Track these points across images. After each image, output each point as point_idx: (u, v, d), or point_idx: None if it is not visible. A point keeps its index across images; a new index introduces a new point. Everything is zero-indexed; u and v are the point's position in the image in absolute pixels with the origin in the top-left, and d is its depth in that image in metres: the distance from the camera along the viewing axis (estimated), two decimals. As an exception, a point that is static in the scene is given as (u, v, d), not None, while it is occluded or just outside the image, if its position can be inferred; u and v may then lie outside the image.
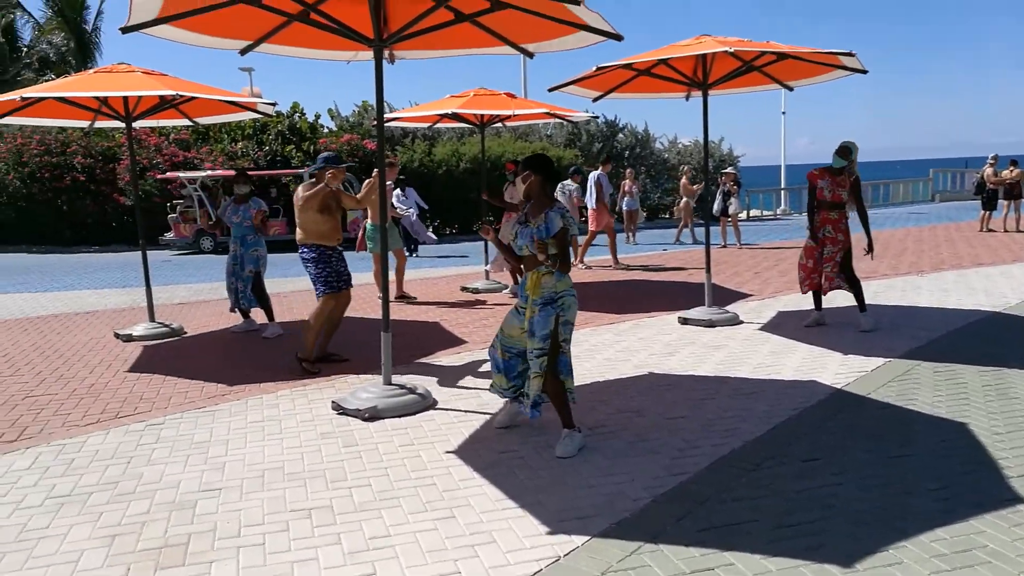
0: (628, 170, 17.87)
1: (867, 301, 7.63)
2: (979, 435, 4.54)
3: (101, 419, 5.30)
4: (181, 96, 7.17)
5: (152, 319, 8.23)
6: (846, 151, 7.31)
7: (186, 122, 9.06)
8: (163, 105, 8.11)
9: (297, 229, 6.50)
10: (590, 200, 13.14)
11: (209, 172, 18.26)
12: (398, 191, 13.30)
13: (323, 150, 20.13)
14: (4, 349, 7.54)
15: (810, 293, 7.65)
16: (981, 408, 5.02)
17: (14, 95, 7.04)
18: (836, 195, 7.32)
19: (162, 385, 6.12)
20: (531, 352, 4.37)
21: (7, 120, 8.08)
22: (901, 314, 8.07)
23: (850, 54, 7.00)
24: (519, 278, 4.67)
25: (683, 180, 17.42)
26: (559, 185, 12.02)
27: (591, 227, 13.25)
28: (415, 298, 10.00)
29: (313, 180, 6.59)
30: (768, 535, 3.40)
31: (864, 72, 7.61)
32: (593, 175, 13.28)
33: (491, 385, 4.84)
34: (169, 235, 18.25)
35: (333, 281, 6.51)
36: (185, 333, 8.17)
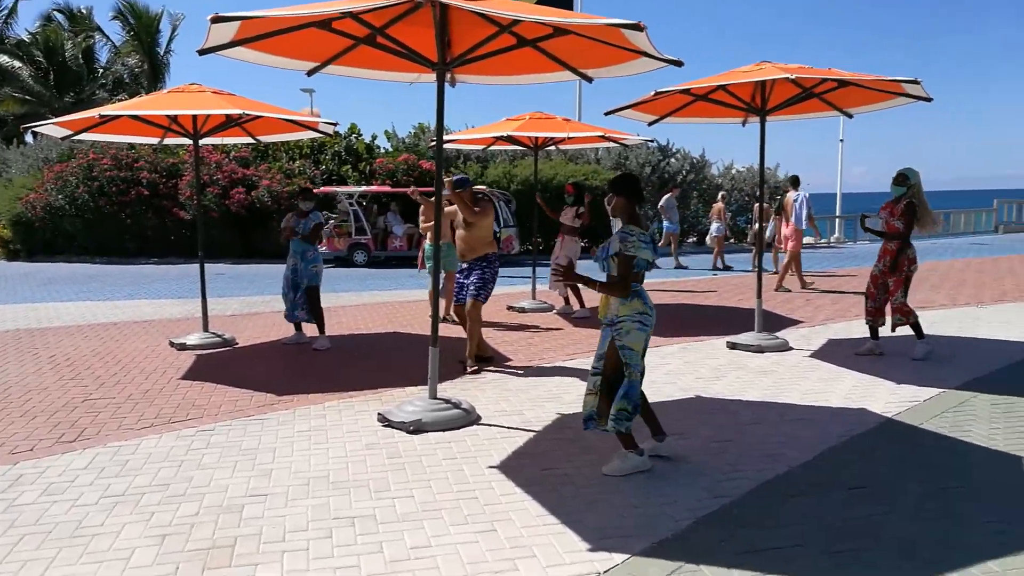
0: (721, 194, 17.92)
1: (925, 332, 7.43)
2: (1038, 470, 4.38)
3: (155, 424, 5.46)
4: (247, 115, 7.42)
5: (206, 329, 8.46)
6: (903, 178, 7.17)
7: (248, 140, 9.35)
8: (229, 123, 8.39)
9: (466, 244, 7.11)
10: (800, 220, 12.69)
11: (365, 188, 18.99)
12: None
13: (379, 170, 20.53)
14: (66, 354, 7.84)
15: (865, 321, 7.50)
16: (1041, 443, 4.84)
17: (93, 112, 7.38)
18: (890, 225, 7.19)
19: (213, 393, 6.28)
20: (592, 368, 4.43)
21: (83, 136, 8.45)
22: (958, 345, 7.84)
23: (915, 81, 6.88)
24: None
25: (719, 205, 17.25)
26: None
27: (791, 248, 12.83)
28: (456, 320, 9.86)
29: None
30: (812, 562, 3.33)
31: (929, 100, 7.45)
32: (797, 195, 12.87)
33: (584, 405, 4.60)
34: (322, 247, 18.74)
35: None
36: (237, 344, 8.38)
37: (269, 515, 3.90)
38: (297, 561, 3.42)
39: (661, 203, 17.60)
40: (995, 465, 4.47)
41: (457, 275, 7.31)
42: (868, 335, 7.54)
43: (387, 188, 19.24)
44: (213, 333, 8.41)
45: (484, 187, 18.44)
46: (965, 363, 7.02)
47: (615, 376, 4.35)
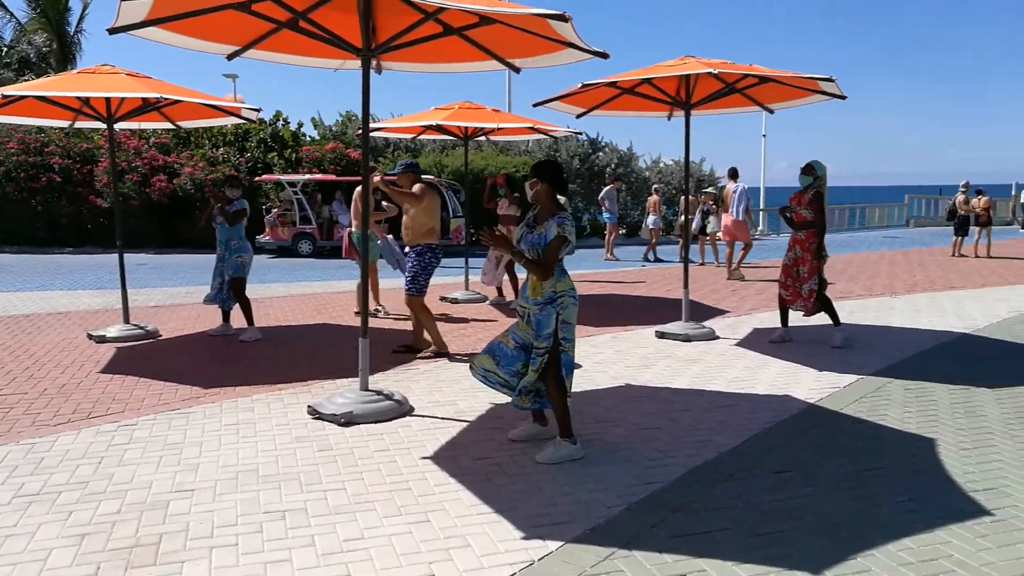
0: (655, 187, 18.27)
1: (843, 321, 7.73)
2: (947, 451, 4.62)
3: (72, 419, 5.24)
4: (165, 99, 7.15)
5: (127, 321, 8.15)
6: (810, 168, 7.42)
7: (168, 125, 9.03)
8: (146, 108, 8.07)
9: (408, 230, 7.01)
10: (736, 211, 13.23)
11: (309, 176, 18.42)
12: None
13: (305, 158, 20.12)
14: (-26, 348, 7.43)
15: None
16: (949, 425, 5.11)
17: (-6, 92, 6.98)
18: (798, 215, 7.46)
19: (135, 386, 6.06)
20: (534, 351, 4.42)
21: (-14, 117, 8.01)
22: (874, 333, 8.19)
23: (829, 79, 7.15)
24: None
25: (654, 198, 17.64)
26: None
27: (743, 237, 13.43)
28: (379, 312, 9.70)
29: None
30: (740, 543, 3.44)
31: (843, 98, 7.74)
32: (736, 186, 13.44)
33: (473, 363, 4.77)
34: (265, 237, 18.08)
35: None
36: (160, 336, 8.10)
37: (196, 511, 3.79)
38: (226, 557, 3.33)
39: (602, 194, 17.87)
40: (909, 447, 4.70)
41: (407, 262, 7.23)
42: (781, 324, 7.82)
43: (332, 177, 18.82)
44: (135, 325, 8.10)
45: (433, 176, 18.31)
46: (881, 350, 7.34)
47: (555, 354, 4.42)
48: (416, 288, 6.97)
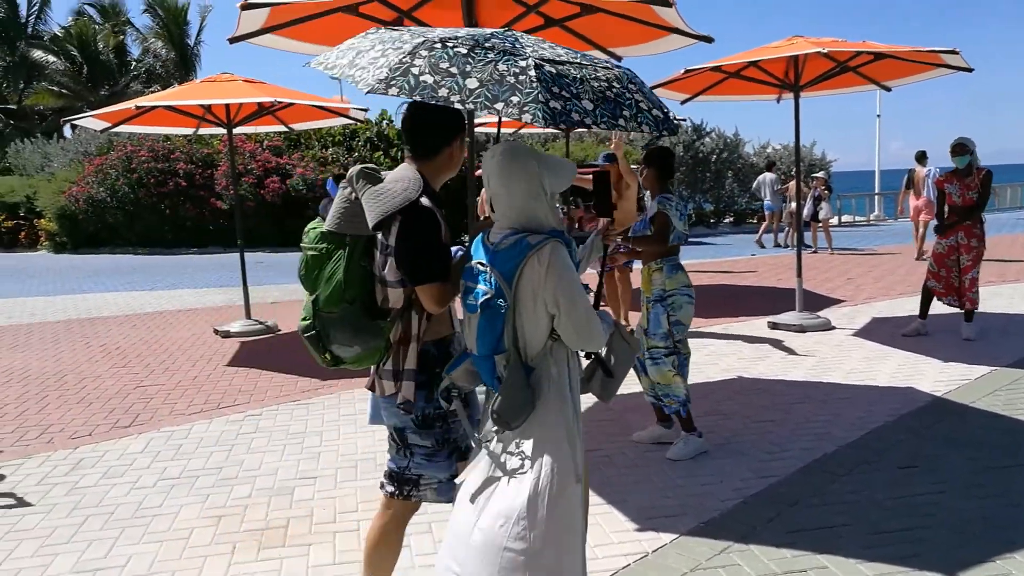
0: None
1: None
2: (1094, 447, 4.29)
3: (204, 409, 5.58)
4: (279, 102, 7.50)
5: (248, 317, 8.60)
6: (963, 147, 6.83)
7: (280, 129, 9.45)
8: (261, 112, 8.48)
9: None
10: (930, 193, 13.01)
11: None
12: None
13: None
14: (116, 343, 8.03)
15: (918, 298, 7.32)
16: (1096, 420, 4.75)
17: (129, 104, 7.52)
18: (967, 198, 6.84)
19: (259, 379, 6.40)
20: (653, 350, 4.32)
21: (120, 128, 8.62)
22: (1009, 322, 7.68)
23: (954, 52, 6.72)
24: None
25: (792, 183, 17.00)
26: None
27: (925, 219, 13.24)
28: None
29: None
30: (862, 540, 3.32)
31: (969, 70, 7.23)
32: (927, 169, 13.25)
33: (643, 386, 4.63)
34: None
35: None
36: (279, 330, 8.51)
37: (319, 497, 3.98)
38: (349, 541, 3.49)
39: (755, 184, 17.36)
40: (1048, 443, 4.40)
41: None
42: (917, 314, 7.35)
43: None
44: (256, 320, 8.55)
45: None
46: (1018, 340, 6.88)
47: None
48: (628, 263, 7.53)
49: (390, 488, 2.60)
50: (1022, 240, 16.08)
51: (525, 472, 2.21)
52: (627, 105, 2.34)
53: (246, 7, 4.55)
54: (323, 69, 2.45)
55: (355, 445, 4.73)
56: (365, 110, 8.82)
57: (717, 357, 6.67)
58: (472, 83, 2.17)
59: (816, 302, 9.10)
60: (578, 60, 2.43)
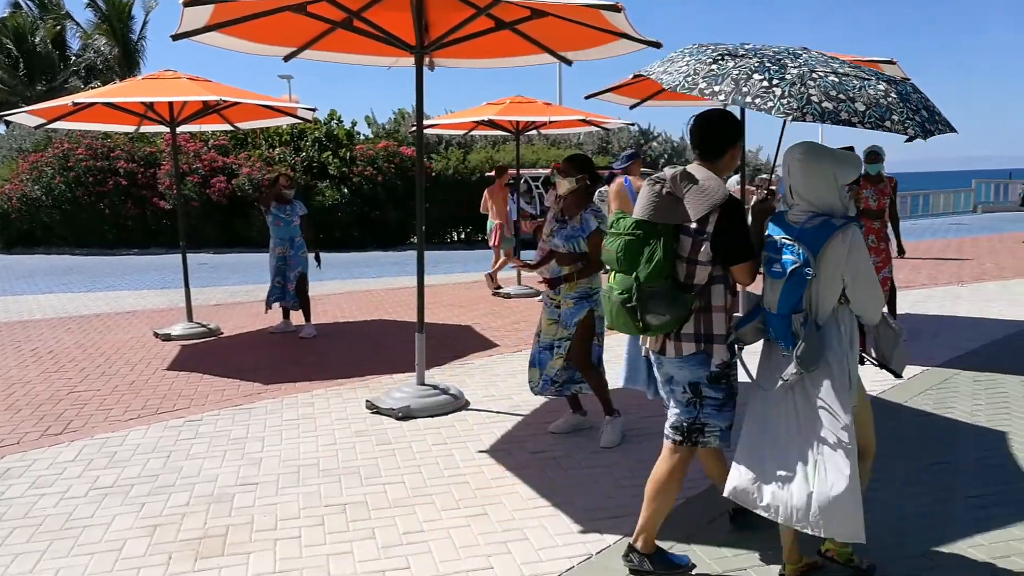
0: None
1: (907, 311, 7.51)
2: (1019, 445, 4.45)
3: (142, 415, 5.42)
4: (224, 101, 7.33)
5: (190, 319, 8.40)
6: (876, 156, 7.15)
7: (226, 128, 9.26)
8: (206, 110, 8.29)
9: None
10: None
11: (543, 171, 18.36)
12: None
13: (358, 156, 20.38)
14: (49, 347, 7.75)
15: None
16: (1022, 418, 4.92)
17: (66, 100, 7.27)
18: (880, 203, 7.11)
19: (200, 383, 6.24)
20: (557, 339, 4.61)
21: (57, 124, 8.33)
22: (940, 324, 7.93)
23: (891, 61, 6.94)
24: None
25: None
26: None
27: None
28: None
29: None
30: (803, 536, 3.37)
31: (906, 80, 7.46)
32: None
33: (529, 380, 4.88)
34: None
35: None
36: (222, 333, 8.32)
37: (260, 504, 3.90)
38: (290, 549, 3.42)
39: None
40: (979, 441, 4.54)
41: None
42: None
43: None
44: (198, 323, 8.35)
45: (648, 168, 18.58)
46: (948, 341, 7.11)
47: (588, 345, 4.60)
48: None
49: (677, 438, 3.08)
50: (955, 244, 16.66)
51: (820, 406, 2.76)
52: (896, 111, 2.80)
53: (189, 3, 4.43)
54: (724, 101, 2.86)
55: (298, 450, 4.65)
56: (313, 109, 8.67)
57: (663, 359, 6.75)
58: (859, 106, 2.76)
59: (760, 304, 9.26)
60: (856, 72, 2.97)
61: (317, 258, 8.13)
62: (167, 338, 8.03)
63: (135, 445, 4.78)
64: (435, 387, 5.48)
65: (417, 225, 5.64)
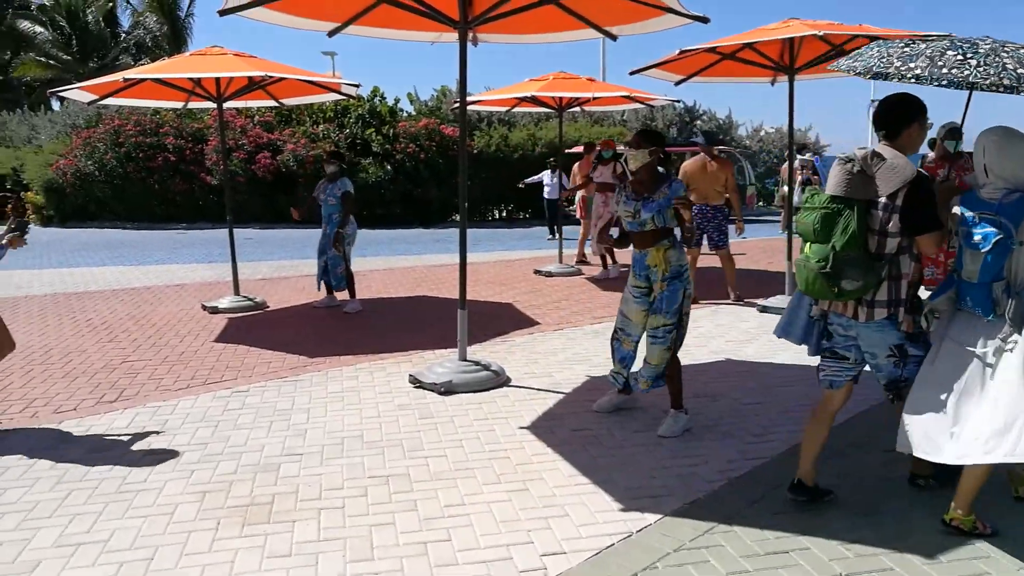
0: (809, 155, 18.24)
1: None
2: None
3: (191, 384, 5.56)
4: (270, 76, 7.40)
5: (237, 293, 8.55)
6: (958, 132, 6.78)
7: (271, 104, 9.35)
8: (252, 86, 8.37)
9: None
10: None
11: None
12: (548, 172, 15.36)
13: (401, 134, 20.42)
14: (103, 318, 7.97)
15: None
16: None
17: (117, 76, 7.40)
18: (963, 182, 6.91)
19: (247, 355, 6.37)
20: (659, 328, 4.40)
21: (108, 101, 8.50)
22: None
23: (949, 37, 6.69)
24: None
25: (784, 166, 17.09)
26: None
27: None
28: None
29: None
30: (848, 522, 3.34)
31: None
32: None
33: (610, 372, 4.81)
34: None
35: None
36: (268, 307, 8.47)
37: (305, 474, 3.97)
38: (334, 518, 3.48)
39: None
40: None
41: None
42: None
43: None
44: (244, 297, 8.50)
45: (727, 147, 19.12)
46: None
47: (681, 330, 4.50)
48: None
49: (890, 396, 3.45)
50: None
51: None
52: None
53: (235, -22, 4.47)
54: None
55: (342, 423, 4.72)
56: (357, 85, 8.69)
57: (706, 339, 6.69)
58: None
59: (806, 286, 9.10)
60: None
61: (339, 238, 7.88)
62: (215, 311, 8.19)
63: (184, 414, 4.91)
64: (477, 363, 5.52)
65: (459, 202, 5.65)
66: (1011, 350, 3.01)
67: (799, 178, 15.07)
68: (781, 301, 7.80)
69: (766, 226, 17.21)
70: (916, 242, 3.19)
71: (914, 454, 3.19)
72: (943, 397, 3.14)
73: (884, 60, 3.32)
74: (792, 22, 7.10)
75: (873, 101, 27.55)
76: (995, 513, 3.31)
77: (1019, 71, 3.11)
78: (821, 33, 6.57)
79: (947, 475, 3.44)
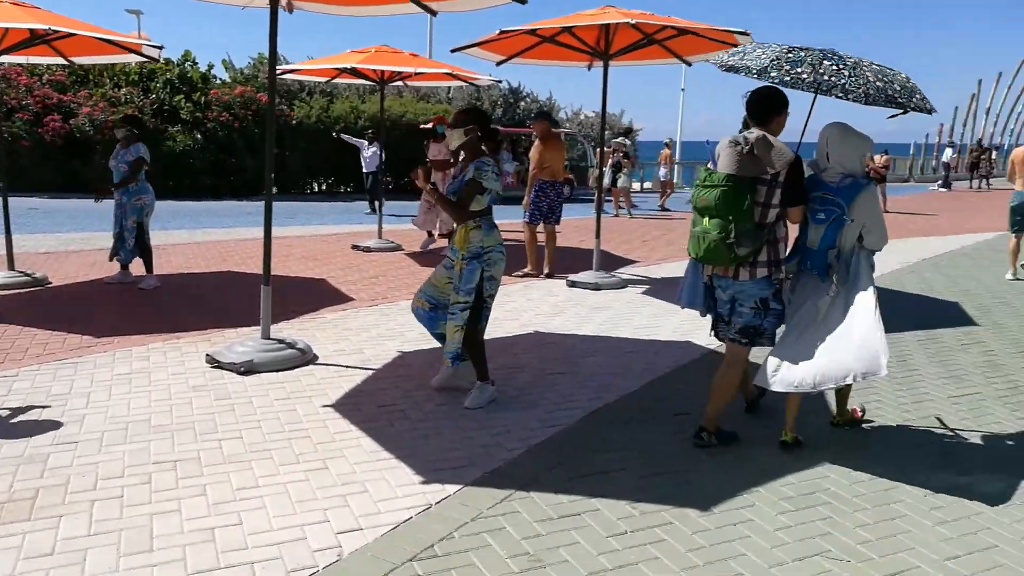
0: (668, 140, 19.99)
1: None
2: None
3: (-53, 370, 4.92)
4: (55, 31, 6.63)
5: (11, 267, 7.67)
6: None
7: (61, 61, 8.43)
8: (34, 39, 7.47)
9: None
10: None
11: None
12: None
13: (213, 101, 19.20)
14: None
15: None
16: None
17: None
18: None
19: (18, 336, 5.72)
20: (455, 305, 4.37)
21: None
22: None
23: (745, 33, 7.21)
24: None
25: (666, 151, 19.44)
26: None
27: None
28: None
29: None
30: (635, 483, 3.51)
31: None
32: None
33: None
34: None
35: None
36: (50, 283, 7.67)
37: (79, 463, 3.62)
38: (110, 510, 3.20)
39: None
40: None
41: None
42: None
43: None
44: (20, 272, 7.63)
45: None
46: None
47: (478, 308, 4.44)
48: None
49: (743, 340, 3.85)
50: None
51: (860, 305, 3.67)
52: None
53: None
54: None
55: (127, 407, 4.36)
56: (160, 47, 7.97)
57: (517, 313, 6.82)
58: (897, 87, 3.97)
59: (613, 262, 9.56)
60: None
61: (97, 191, 7.77)
62: (-19, 288, 7.30)
63: (-64, 403, 4.33)
64: (281, 341, 5.29)
65: (266, 172, 5.36)
66: (835, 302, 3.71)
67: (610, 161, 15.75)
68: (589, 276, 8.12)
69: (581, 205, 17.87)
70: (788, 212, 3.72)
71: (771, 388, 3.76)
72: (793, 338, 3.80)
73: (776, 62, 3.96)
74: (609, 9, 7.35)
75: (683, 89, 29.36)
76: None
77: (877, 84, 3.86)
78: (633, 22, 6.87)
79: (727, 437, 3.99)
